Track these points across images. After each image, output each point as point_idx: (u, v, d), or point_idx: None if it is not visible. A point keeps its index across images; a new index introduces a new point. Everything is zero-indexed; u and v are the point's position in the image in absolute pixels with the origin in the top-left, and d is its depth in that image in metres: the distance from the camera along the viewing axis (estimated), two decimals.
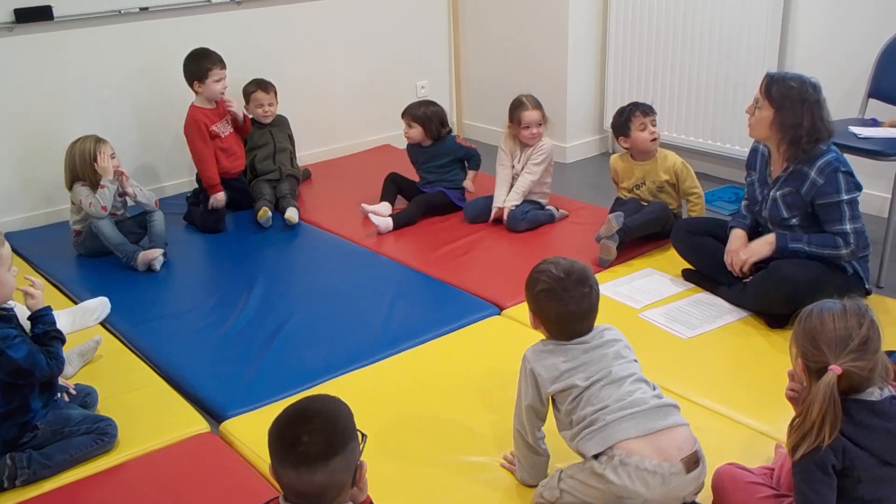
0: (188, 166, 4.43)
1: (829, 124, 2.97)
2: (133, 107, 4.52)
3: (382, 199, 4.33)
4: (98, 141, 3.76)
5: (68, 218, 3.96)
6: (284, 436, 1.64)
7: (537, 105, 4.05)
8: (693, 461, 2.07)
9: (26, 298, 2.50)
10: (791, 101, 2.94)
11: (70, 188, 3.81)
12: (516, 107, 4.06)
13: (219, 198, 4.24)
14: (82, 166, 3.73)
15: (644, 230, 3.71)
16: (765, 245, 3.08)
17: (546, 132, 4.12)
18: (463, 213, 4.20)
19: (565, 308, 2.14)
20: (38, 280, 2.55)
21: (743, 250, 3.14)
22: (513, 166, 4.13)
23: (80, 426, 2.48)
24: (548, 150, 4.08)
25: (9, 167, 4.25)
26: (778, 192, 3.07)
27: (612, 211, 3.80)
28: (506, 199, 4.06)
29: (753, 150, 3.25)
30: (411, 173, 4.44)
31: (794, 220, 3.05)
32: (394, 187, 4.39)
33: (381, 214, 4.17)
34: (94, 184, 3.74)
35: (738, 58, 4.42)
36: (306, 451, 1.61)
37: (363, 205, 4.26)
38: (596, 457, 2.06)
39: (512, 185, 4.10)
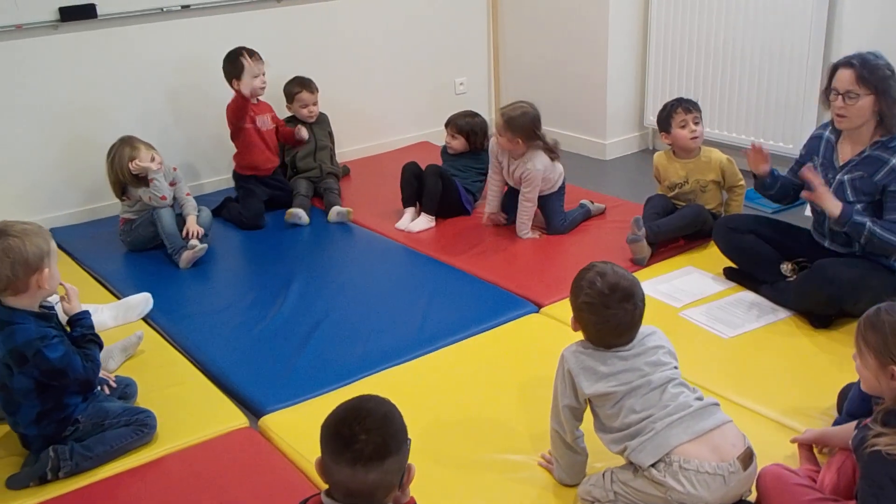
0: (227, 164, 4.46)
1: None
2: (174, 105, 4.57)
3: (405, 204, 4.21)
4: (132, 148, 3.77)
5: (112, 214, 4.01)
6: (341, 433, 1.63)
7: (499, 119, 3.79)
8: (748, 457, 2.06)
9: (62, 303, 2.54)
10: (885, 79, 2.90)
11: (121, 197, 3.87)
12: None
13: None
14: (127, 177, 3.78)
15: (676, 233, 3.67)
16: (836, 205, 2.97)
17: (524, 150, 3.81)
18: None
19: (605, 324, 2.12)
20: (73, 286, 2.58)
21: (822, 188, 3.01)
22: (503, 178, 3.98)
23: (119, 418, 2.51)
24: (534, 178, 3.80)
25: (54, 164, 4.31)
26: (846, 176, 3.02)
27: (645, 207, 3.79)
28: (521, 232, 3.92)
29: (816, 137, 3.20)
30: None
31: (858, 206, 2.99)
32: (415, 183, 4.19)
33: (416, 221, 4.11)
34: (144, 181, 3.78)
35: (782, 54, 4.35)
36: (362, 450, 1.60)
37: (400, 226, 4.14)
38: (653, 465, 2.04)
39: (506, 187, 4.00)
